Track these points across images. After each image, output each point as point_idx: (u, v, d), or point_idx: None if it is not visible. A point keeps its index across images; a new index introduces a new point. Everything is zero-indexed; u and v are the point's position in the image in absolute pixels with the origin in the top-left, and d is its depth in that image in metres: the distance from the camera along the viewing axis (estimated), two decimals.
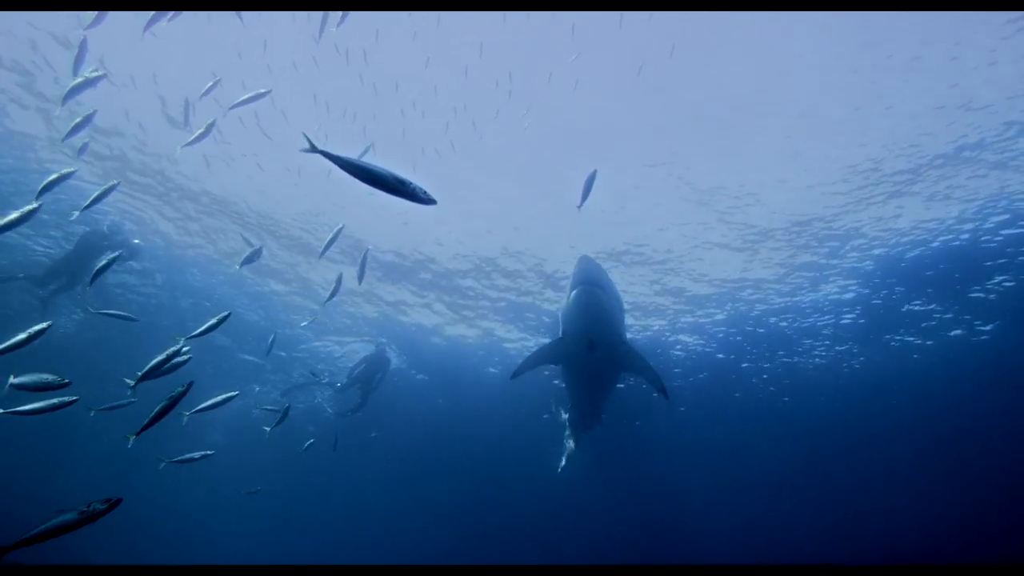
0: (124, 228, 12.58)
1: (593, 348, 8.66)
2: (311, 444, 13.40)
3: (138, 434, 4.84)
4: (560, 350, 9.42)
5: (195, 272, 16.71)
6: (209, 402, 6.18)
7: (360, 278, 9.54)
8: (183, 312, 18.52)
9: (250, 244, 8.81)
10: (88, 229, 12.65)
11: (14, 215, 4.76)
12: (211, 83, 7.42)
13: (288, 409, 9.36)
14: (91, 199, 5.58)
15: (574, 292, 8.14)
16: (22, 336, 4.62)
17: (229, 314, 5.96)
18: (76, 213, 6.28)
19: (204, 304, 18.26)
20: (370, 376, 14.71)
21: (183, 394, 4.89)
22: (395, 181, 2.83)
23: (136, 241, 12.68)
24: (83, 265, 12.14)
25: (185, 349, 5.53)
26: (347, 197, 14.17)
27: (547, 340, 11.50)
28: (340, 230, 8.03)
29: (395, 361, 18.66)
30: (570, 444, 12.90)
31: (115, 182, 5.82)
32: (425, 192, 2.84)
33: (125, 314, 6.90)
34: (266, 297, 18.12)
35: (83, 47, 6.13)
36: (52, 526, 3.51)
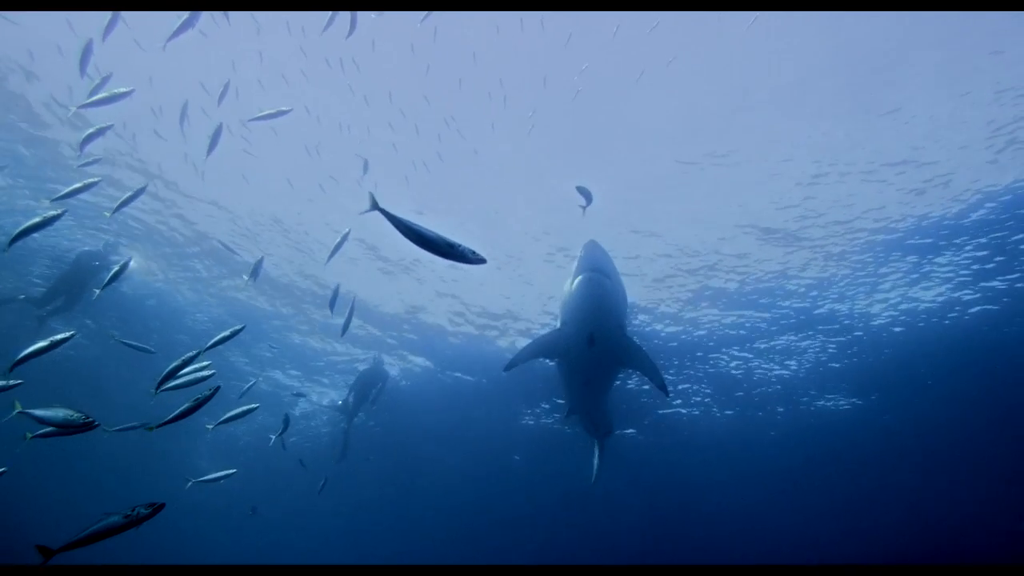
0: (120, 248, 12.37)
1: (593, 342, 8.08)
2: (302, 465, 13.26)
3: (159, 426, 4.89)
4: (557, 342, 8.77)
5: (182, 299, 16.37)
6: (231, 413, 6.11)
7: (344, 329, 9.52)
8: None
9: (230, 250, 8.76)
10: (84, 249, 12.49)
11: (37, 219, 4.70)
12: (223, 89, 7.33)
13: (288, 419, 9.59)
14: (121, 201, 5.55)
15: (578, 279, 7.55)
16: (43, 343, 4.56)
17: (243, 327, 5.95)
18: (108, 214, 6.11)
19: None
20: (367, 390, 14.56)
21: (208, 398, 4.89)
22: (445, 245, 2.92)
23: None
24: (80, 285, 12.01)
25: (207, 363, 5.54)
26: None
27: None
28: (347, 234, 7.91)
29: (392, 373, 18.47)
30: (597, 454, 12.46)
31: (145, 184, 5.75)
32: (474, 253, 2.92)
33: (145, 346, 6.81)
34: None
35: (88, 50, 6.07)
36: (99, 529, 3.48)
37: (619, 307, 8.09)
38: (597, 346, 8.20)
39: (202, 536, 39.94)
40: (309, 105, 12.26)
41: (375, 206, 3.11)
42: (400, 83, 12.24)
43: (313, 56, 11.64)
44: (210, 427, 6.28)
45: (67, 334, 4.61)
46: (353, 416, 14.75)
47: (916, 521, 26.82)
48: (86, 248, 12.51)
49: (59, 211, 4.86)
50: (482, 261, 2.94)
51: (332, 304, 9.56)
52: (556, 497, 26.82)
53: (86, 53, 6.07)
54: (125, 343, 6.71)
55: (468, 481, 26.56)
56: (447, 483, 26.97)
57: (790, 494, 26.32)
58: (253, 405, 6.26)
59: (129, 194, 5.58)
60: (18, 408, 4.34)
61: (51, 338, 4.54)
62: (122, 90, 5.77)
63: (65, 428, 4.14)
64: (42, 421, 4.14)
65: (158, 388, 5.21)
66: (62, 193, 5.46)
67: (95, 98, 5.73)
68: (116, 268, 5.42)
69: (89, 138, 5.88)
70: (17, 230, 4.85)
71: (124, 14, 8.62)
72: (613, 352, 8.74)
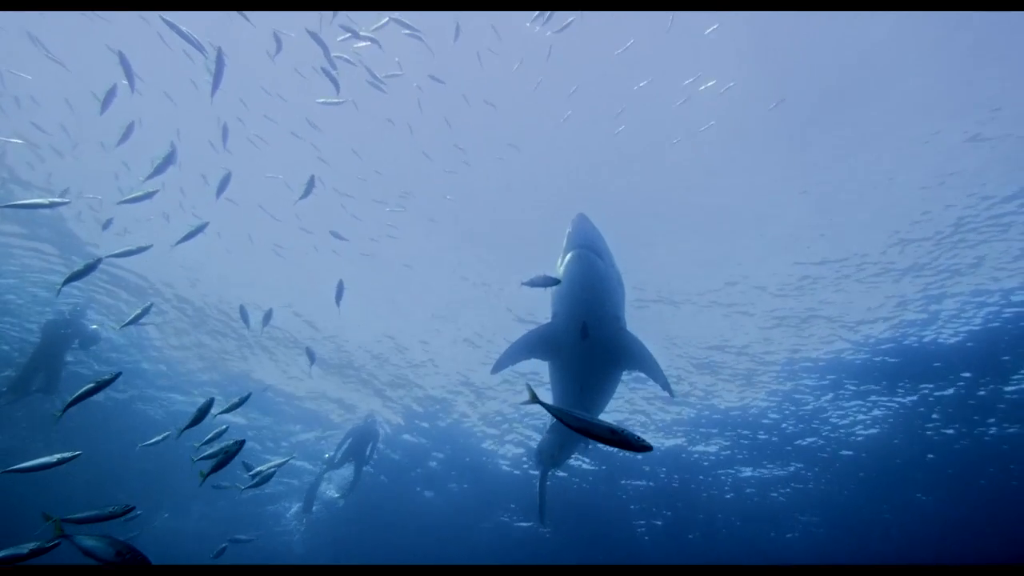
0: (87, 313, 11.80)
1: (587, 333, 7.13)
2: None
3: (207, 475, 5.22)
4: (547, 336, 7.76)
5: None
6: (268, 469, 6.29)
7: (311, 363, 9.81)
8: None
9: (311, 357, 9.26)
10: (49, 319, 11.95)
11: (80, 267, 4.97)
12: (223, 130, 7.79)
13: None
14: (183, 237, 5.71)
15: (567, 257, 6.70)
16: (91, 386, 4.54)
17: (250, 394, 6.36)
18: (171, 247, 6.12)
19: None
20: (360, 449, 14.12)
21: (235, 453, 5.29)
22: (607, 431, 2.93)
23: (94, 327, 11.88)
24: (56, 357, 11.45)
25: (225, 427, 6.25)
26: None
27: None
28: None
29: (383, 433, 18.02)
30: (539, 486, 11.26)
31: (206, 221, 5.80)
32: (639, 439, 2.86)
33: (165, 435, 6.71)
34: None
35: (111, 94, 6.28)
36: None
37: (614, 293, 7.13)
38: (591, 339, 7.23)
39: None
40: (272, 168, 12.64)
41: (534, 399, 3.28)
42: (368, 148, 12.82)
43: (282, 120, 12.07)
44: (241, 488, 6.45)
45: (114, 374, 4.53)
46: (331, 470, 14.29)
47: None
48: (51, 318, 11.86)
49: (95, 259, 5.04)
50: (648, 448, 2.87)
51: (312, 362, 9.74)
52: None
53: (109, 95, 6.27)
54: (148, 444, 6.77)
55: None
56: None
57: None
58: (284, 459, 6.51)
59: (192, 228, 5.66)
60: (58, 531, 4.02)
61: (98, 380, 4.51)
62: (168, 151, 5.94)
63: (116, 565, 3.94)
64: (87, 552, 3.94)
65: (181, 432, 5.71)
66: (116, 252, 5.63)
67: (156, 164, 5.87)
68: (138, 311, 5.56)
69: (135, 199, 5.90)
70: (66, 276, 5.08)
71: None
72: (609, 347, 7.72)
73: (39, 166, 11.39)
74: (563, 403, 9.58)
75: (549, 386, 9.72)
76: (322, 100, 9.12)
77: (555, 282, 6.02)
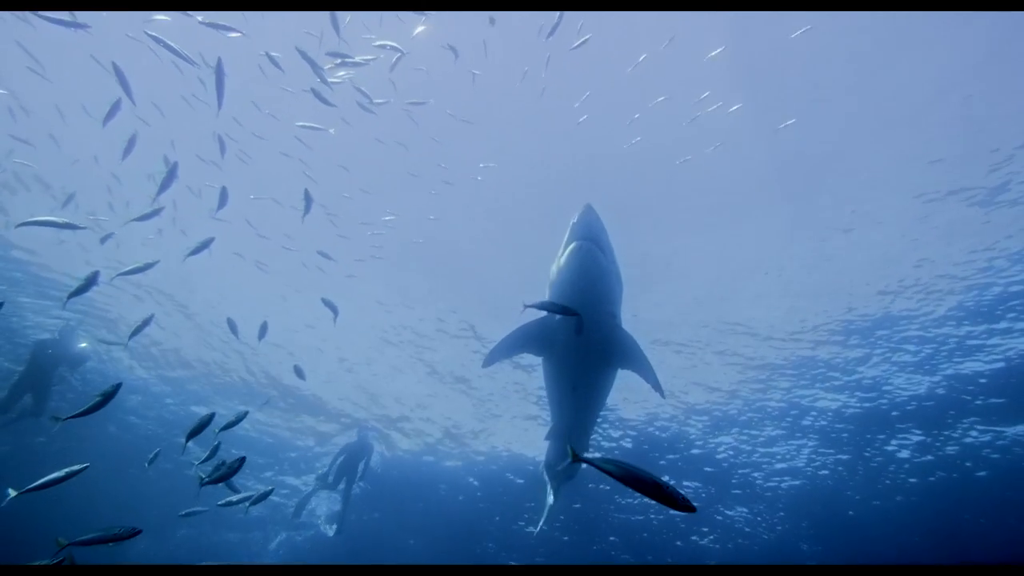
0: (76, 333, 11.64)
1: (582, 329, 7.00)
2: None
3: (203, 484, 5.45)
4: (542, 330, 7.59)
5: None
6: (248, 497, 6.37)
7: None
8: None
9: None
10: (38, 339, 11.77)
11: (82, 282, 5.09)
12: (220, 143, 7.71)
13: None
14: (191, 251, 5.80)
15: (568, 248, 6.50)
16: (97, 399, 4.53)
17: (247, 412, 6.57)
18: (185, 258, 6.12)
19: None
20: (352, 465, 13.93)
21: (236, 469, 5.42)
22: (653, 486, 2.87)
23: (83, 345, 11.72)
24: (45, 377, 11.21)
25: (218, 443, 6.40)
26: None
27: None
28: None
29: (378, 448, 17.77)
30: (549, 499, 10.69)
31: (213, 237, 5.84)
32: (684, 499, 2.82)
33: (152, 456, 6.99)
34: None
35: (115, 107, 6.33)
36: None
37: (612, 289, 6.99)
38: (586, 335, 7.10)
39: None
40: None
41: (576, 458, 3.23)
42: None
43: (271, 135, 12.12)
44: (248, 506, 6.61)
45: (115, 385, 4.54)
46: (325, 488, 14.09)
47: None
48: (40, 337, 11.70)
49: (93, 273, 5.09)
50: (691, 508, 2.80)
51: (301, 376, 9.68)
52: None
53: (113, 109, 6.35)
54: (150, 461, 6.97)
55: None
56: None
57: None
58: (269, 488, 6.67)
59: (198, 243, 5.73)
60: (70, 560, 4.06)
61: (103, 391, 4.49)
62: (169, 168, 5.99)
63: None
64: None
65: (187, 441, 5.71)
66: (124, 270, 5.69)
67: (160, 180, 5.92)
68: (139, 323, 5.68)
69: (144, 217, 5.99)
70: (71, 290, 5.20)
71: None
72: (604, 345, 7.55)
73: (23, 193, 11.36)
74: (554, 401, 9.22)
75: (545, 388, 9.62)
76: (301, 124, 9.15)
77: (569, 311, 5.71)
